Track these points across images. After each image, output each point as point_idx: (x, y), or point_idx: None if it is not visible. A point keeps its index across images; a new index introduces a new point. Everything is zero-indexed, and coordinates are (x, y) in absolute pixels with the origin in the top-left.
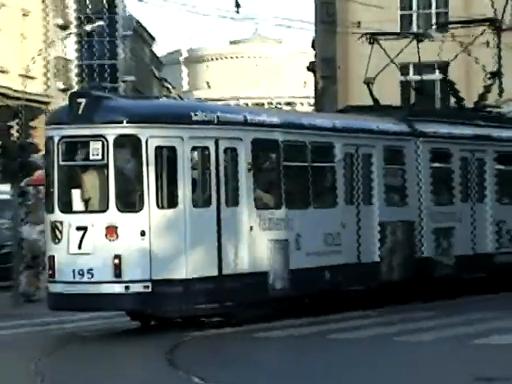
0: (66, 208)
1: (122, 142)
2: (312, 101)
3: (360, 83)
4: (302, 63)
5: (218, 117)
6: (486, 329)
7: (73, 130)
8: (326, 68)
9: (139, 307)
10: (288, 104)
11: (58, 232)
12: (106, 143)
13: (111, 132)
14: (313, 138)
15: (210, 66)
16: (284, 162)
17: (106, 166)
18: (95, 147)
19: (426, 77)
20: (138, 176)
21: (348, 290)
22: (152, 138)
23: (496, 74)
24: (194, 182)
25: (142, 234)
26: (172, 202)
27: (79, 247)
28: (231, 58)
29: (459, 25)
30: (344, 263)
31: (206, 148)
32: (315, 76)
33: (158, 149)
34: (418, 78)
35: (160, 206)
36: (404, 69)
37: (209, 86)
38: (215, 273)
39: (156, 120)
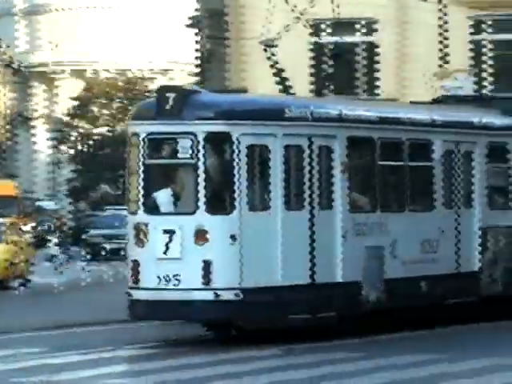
0: (152, 209)
1: (212, 139)
2: (195, 68)
3: (259, 45)
4: (180, 18)
5: (311, 113)
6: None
7: (160, 126)
8: (212, 25)
9: (229, 316)
10: (164, 72)
11: (142, 235)
12: (195, 141)
13: (201, 129)
14: (411, 135)
15: (53, 20)
16: (380, 162)
17: (196, 165)
18: (184, 145)
19: (346, 38)
20: (229, 176)
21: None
22: (244, 135)
23: None
24: (287, 182)
25: (233, 238)
26: (264, 205)
27: (165, 252)
28: (86, 7)
29: None
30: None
31: (300, 146)
32: (199, 35)
33: (250, 147)
34: (334, 39)
35: (252, 208)
36: (316, 28)
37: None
38: (307, 281)
39: (248, 116)
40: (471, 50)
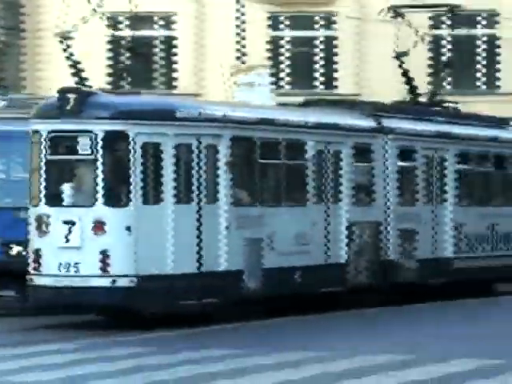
0: (53, 202)
1: (110, 137)
2: None
3: (55, 37)
4: None
5: (200, 114)
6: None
7: (62, 124)
8: (7, 16)
9: (124, 302)
10: None
11: (43, 225)
12: (94, 138)
13: (100, 128)
14: (286, 135)
15: None
16: (260, 160)
17: (94, 161)
18: (84, 142)
19: (144, 32)
20: (125, 172)
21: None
22: (139, 134)
23: (449, 65)
24: (177, 178)
25: (129, 229)
26: (157, 198)
27: (66, 241)
28: None
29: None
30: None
31: (189, 145)
32: None
33: (145, 145)
34: (132, 33)
35: (145, 201)
36: (114, 21)
37: None
38: (195, 270)
39: (143, 117)
40: (269, 45)
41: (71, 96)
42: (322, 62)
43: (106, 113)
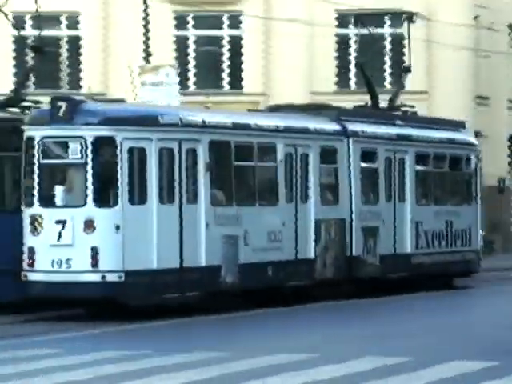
0: (46, 203)
1: (99, 142)
2: None
3: None
4: None
5: (181, 120)
6: None
7: (54, 130)
8: None
9: (113, 295)
10: None
11: (37, 225)
12: (84, 143)
13: (89, 133)
14: (259, 139)
15: None
16: (235, 162)
17: (85, 164)
18: (74, 147)
19: (50, 32)
20: (113, 174)
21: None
22: (125, 139)
23: (409, 69)
24: (160, 180)
25: (117, 227)
26: (142, 199)
27: (58, 239)
28: None
29: None
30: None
31: (171, 149)
32: None
33: (130, 149)
34: (37, 33)
35: (132, 202)
36: (19, 21)
37: None
38: (177, 265)
39: (129, 123)
40: (175, 45)
41: (62, 104)
42: (228, 62)
43: (94, 119)
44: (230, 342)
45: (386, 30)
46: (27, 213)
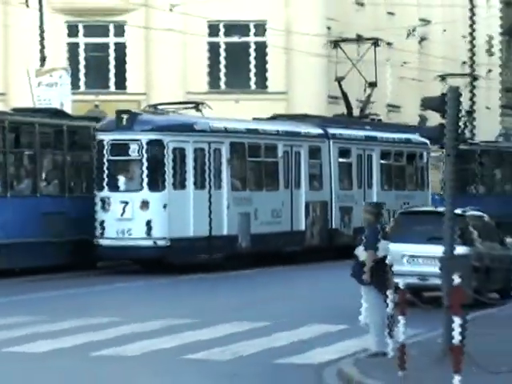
0: (113, 188)
1: (151, 144)
2: None
3: None
4: None
5: (210, 127)
6: None
7: (118, 135)
8: None
9: (162, 256)
10: None
11: (107, 204)
12: (140, 145)
13: (144, 137)
14: (262, 140)
15: None
16: (248, 158)
17: (141, 160)
18: (133, 147)
19: None
20: (162, 167)
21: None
22: (171, 141)
23: (375, 84)
24: (195, 171)
25: (164, 206)
26: (182, 185)
27: (122, 215)
28: None
29: None
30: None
31: (203, 148)
32: None
33: (174, 149)
34: None
35: (175, 188)
36: None
37: None
38: (207, 234)
39: (173, 129)
40: (67, 50)
41: (124, 115)
42: (113, 65)
43: (148, 127)
44: (130, 309)
45: (251, 38)
46: (99, 195)
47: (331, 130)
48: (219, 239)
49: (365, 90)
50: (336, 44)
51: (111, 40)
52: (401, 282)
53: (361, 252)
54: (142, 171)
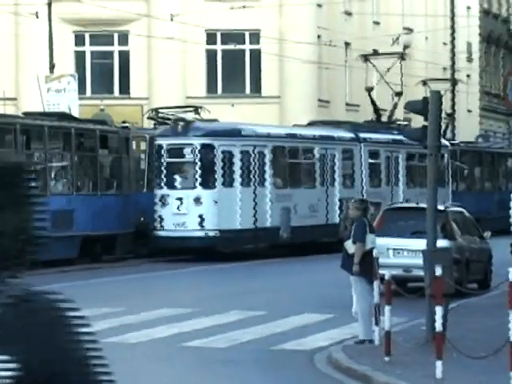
0: (170, 186)
1: (203, 147)
2: None
3: None
4: None
5: (255, 132)
6: None
7: (175, 140)
8: None
9: (213, 246)
10: None
11: (164, 200)
12: (194, 148)
13: (197, 142)
14: (300, 144)
15: None
16: (288, 160)
17: (194, 162)
18: (188, 151)
19: None
20: (213, 168)
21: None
22: (220, 145)
23: (400, 93)
24: (243, 171)
25: (215, 202)
26: (231, 184)
27: (178, 209)
28: None
29: None
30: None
31: (249, 151)
32: None
33: (223, 152)
34: None
35: (224, 186)
36: None
37: None
38: (252, 226)
39: (222, 135)
40: (75, 58)
41: (180, 123)
42: (118, 72)
43: (200, 133)
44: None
45: (247, 46)
46: (158, 193)
47: (362, 135)
48: (263, 231)
49: (392, 99)
50: (366, 58)
51: (115, 48)
52: (387, 273)
53: (350, 245)
54: (196, 171)
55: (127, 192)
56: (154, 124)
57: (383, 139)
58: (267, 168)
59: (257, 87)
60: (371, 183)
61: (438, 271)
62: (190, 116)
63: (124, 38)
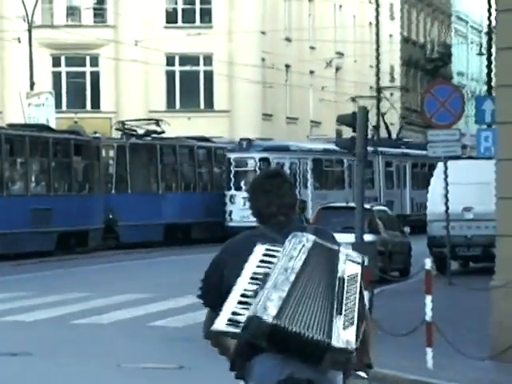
0: (237, 188)
1: (262, 160)
2: None
3: None
4: None
5: (299, 147)
6: None
7: (240, 155)
8: None
9: None
10: None
11: (233, 199)
12: (255, 161)
13: (257, 156)
14: (333, 156)
15: None
16: (324, 168)
17: (255, 171)
18: (251, 163)
19: None
20: None
21: None
22: (275, 158)
23: (406, 117)
24: (295, 179)
25: None
26: None
27: (243, 205)
28: None
29: None
30: None
31: (295, 163)
32: None
33: (277, 163)
34: None
35: None
36: None
37: None
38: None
39: (276, 150)
40: (52, 77)
41: (244, 141)
42: (89, 90)
43: (260, 149)
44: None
45: (201, 67)
46: (228, 194)
47: (380, 149)
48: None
49: (400, 121)
50: (380, 90)
51: (87, 69)
52: None
53: None
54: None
55: (98, 193)
56: (121, 134)
57: (395, 152)
58: (308, 175)
59: (210, 103)
60: (386, 186)
61: (365, 261)
62: (152, 127)
63: (95, 60)
